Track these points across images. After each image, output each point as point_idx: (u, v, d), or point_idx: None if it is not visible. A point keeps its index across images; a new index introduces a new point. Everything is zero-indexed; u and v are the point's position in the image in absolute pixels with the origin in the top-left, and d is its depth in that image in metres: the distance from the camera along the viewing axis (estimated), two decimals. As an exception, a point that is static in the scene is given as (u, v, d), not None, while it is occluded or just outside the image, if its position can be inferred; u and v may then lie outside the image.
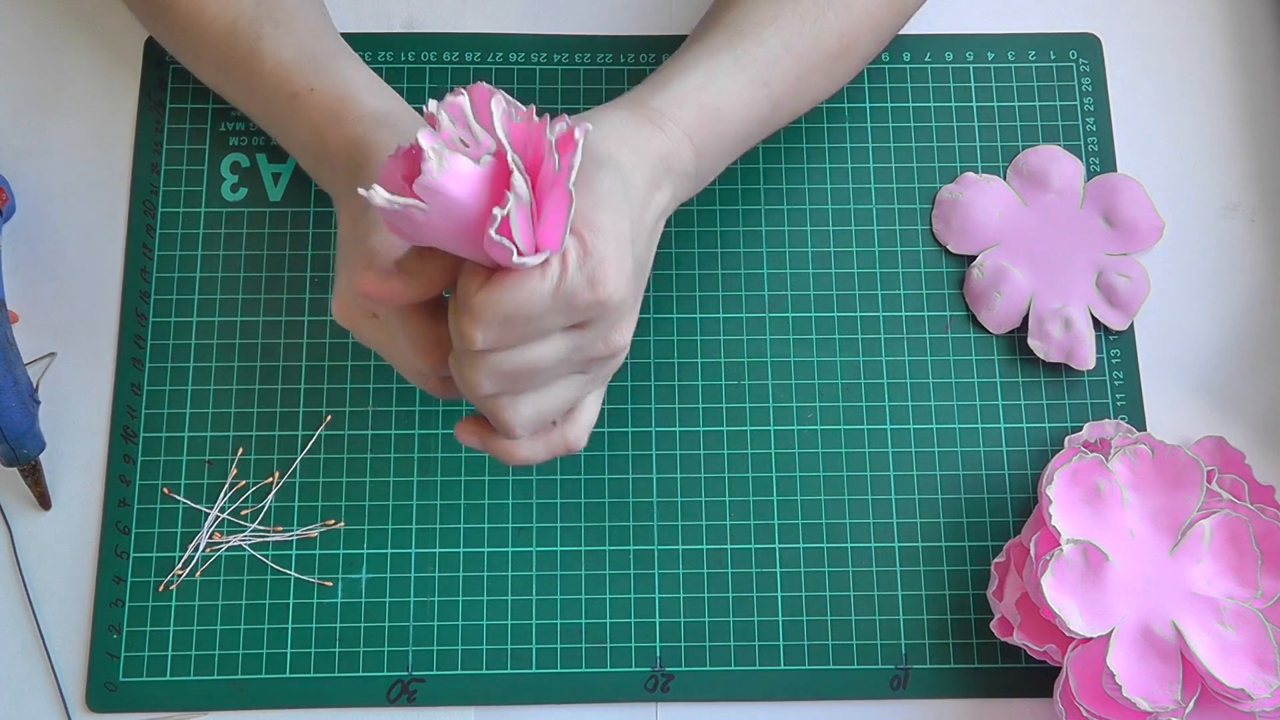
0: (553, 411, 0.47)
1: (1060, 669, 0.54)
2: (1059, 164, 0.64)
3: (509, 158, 0.39)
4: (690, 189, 0.53)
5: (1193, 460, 0.56)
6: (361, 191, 0.39)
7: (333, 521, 0.59)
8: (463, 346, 0.43)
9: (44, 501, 0.58)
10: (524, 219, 0.40)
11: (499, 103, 0.40)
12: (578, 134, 0.40)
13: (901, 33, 0.64)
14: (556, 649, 0.57)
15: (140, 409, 0.60)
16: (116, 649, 0.57)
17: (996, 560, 0.57)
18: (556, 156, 0.39)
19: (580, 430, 0.49)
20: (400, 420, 0.60)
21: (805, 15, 0.55)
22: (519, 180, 0.39)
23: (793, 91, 0.56)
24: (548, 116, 0.40)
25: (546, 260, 0.41)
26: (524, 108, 0.40)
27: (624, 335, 0.47)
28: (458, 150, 0.39)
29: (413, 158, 0.40)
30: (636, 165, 0.48)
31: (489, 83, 0.64)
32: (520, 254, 0.40)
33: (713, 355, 0.61)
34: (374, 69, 0.64)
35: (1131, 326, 0.63)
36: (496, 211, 0.38)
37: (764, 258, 0.63)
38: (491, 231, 0.38)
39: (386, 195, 0.38)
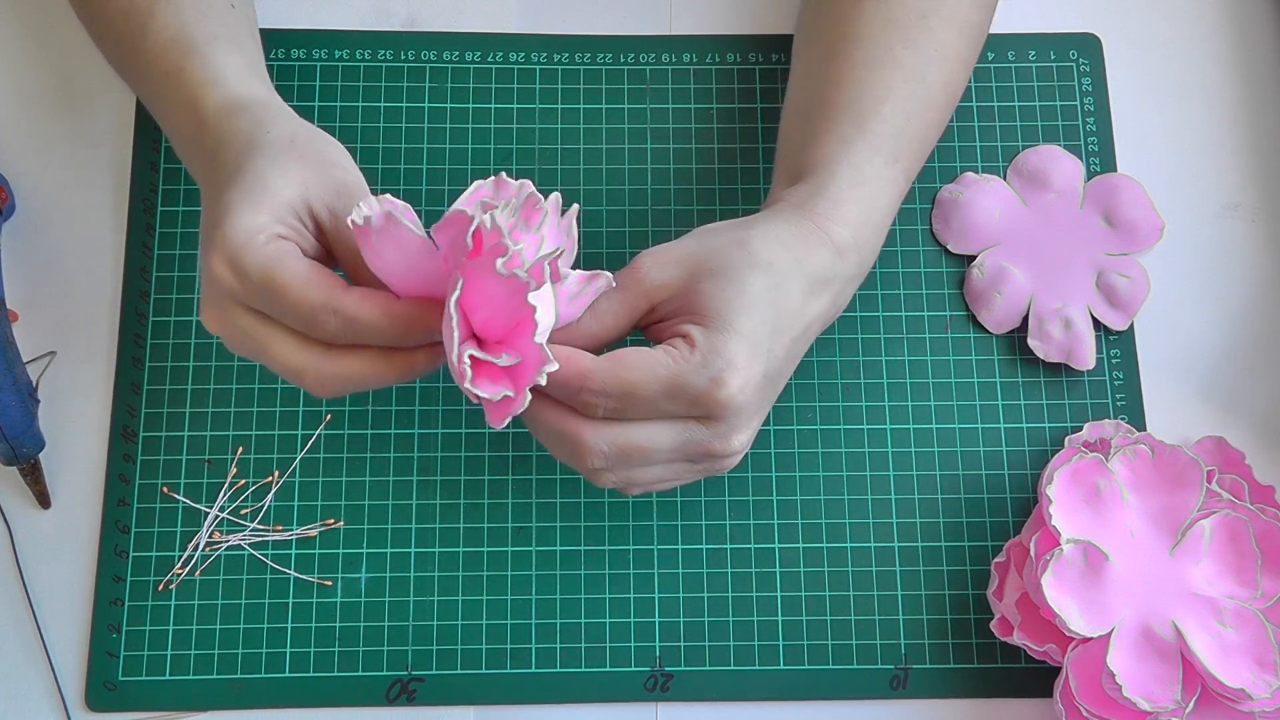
0: (648, 486, 0.48)
1: (1060, 669, 0.54)
2: (1059, 164, 0.64)
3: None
4: (852, 291, 0.53)
5: (1193, 460, 0.56)
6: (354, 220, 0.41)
7: (332, 521, 0.59)
8: (585, 412, 0.45)
9: (43, 500, 0.58)
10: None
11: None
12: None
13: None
14: (556, 648, 0.57)
15: (140, 408, 0.60)
16: (116, 648, 0.57)
17: (996, 560, 0.57)
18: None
19: (609, 478, 0.48)
20: (400, 420, 0.60)
21: (912, 77, 0.54)
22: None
23: (918, 157, 0.56)
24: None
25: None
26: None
27: (741, 440, 0.47)
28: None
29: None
30: (795, 273, 0.48)
31: (490, 82, 0.64)
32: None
33: (713, 355, 0.61)
34: (374, 67, 0.65)
35: (1131, 326, 0.63)
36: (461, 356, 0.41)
37: (764, 257, 0.63)
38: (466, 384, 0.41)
39: (370, 211, 0.41)
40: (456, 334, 0.41)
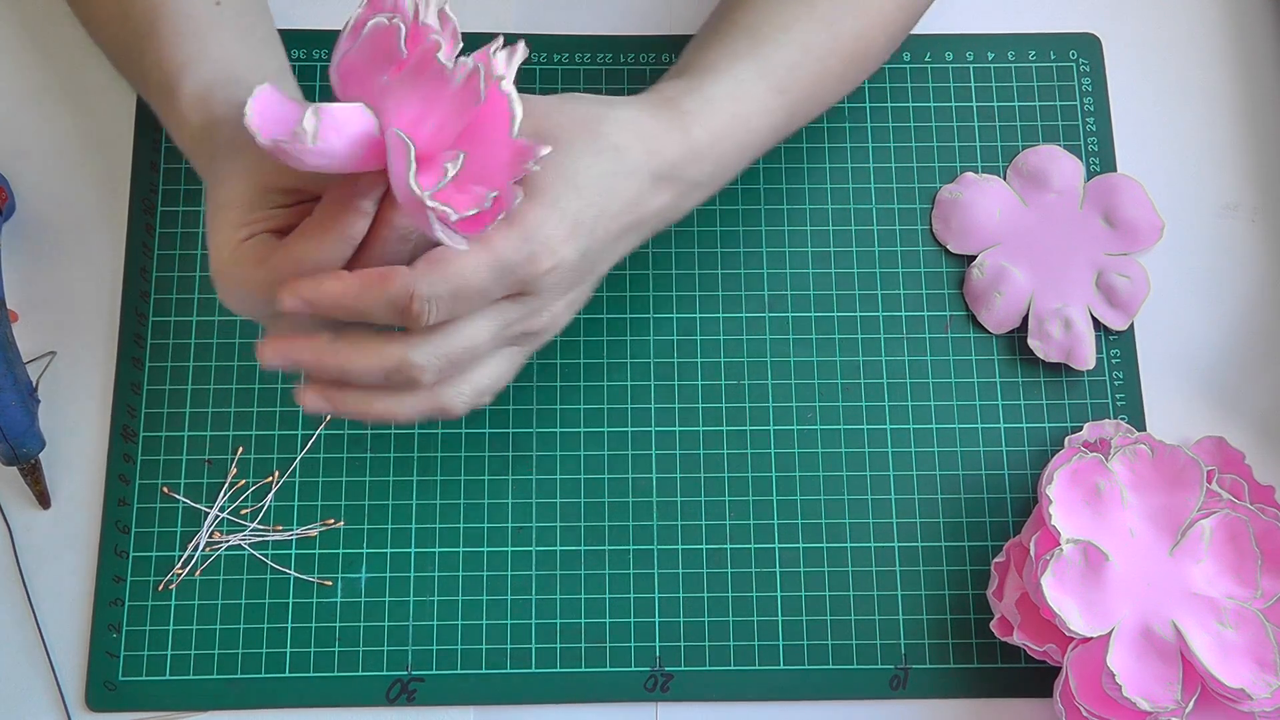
0: (492, 388, 0.48)
1: (1060, 669, 0.54)
2: (1059, 164, 0.64)
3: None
4: (698, 199, 0.53)
5: (1193, 460, 0.56)
6: (246, 116, 0.39)
7: (332, 521, 0.59)
8: (416, 324, 0.43)
9: (44, 500, 0.58)
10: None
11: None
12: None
13: (902, 33, 0.64)
14: (556, 649, 0.57)
15: (140, 408, 0.60)
16: (116, 648, 0.57)
17: (996, 560, 0.57)
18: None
19: (458, 396, 0.47)
20: (400, 420, 0.60)
21: (822, 19, 0.54)
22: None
23: (809, 98, 0.55)
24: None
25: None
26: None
27: (554, 313, 0.48)
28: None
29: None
30: (644, 162, 0.48)
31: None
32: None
33: (713, 355, 0.61)
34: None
35: (1131, 326, 0.63)
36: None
37: (764, 257, 0.63)
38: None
39: (266, 137, 0.38)
40: (412, 152, 0.37)
